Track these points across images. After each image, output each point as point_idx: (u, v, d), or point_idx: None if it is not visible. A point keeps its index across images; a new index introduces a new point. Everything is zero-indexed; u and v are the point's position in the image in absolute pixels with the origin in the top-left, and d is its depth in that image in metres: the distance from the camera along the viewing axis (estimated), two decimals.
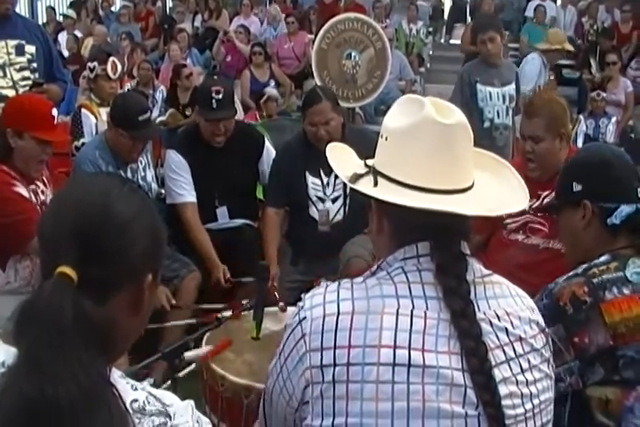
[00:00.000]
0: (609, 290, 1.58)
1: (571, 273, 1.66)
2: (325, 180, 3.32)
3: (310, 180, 3.33)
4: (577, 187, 1.72)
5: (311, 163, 3.21)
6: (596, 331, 1.56)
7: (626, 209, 1.67)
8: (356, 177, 1.23)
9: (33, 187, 2.79)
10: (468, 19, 10.82)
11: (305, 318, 1.18)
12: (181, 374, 2.11)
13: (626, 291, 1.58)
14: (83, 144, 4.04)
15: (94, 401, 0.81)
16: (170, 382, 2.27)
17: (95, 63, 4.42)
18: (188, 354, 2.18)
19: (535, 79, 5.73)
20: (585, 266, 1.65)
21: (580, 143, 6.43)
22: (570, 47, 6.43)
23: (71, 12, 10.36)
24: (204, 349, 2.26)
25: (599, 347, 1.55)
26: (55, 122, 2.80)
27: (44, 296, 0.85)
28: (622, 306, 1.57)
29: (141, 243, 0.95)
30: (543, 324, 1.26)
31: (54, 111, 2.78)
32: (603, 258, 1.65)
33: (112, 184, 0.99)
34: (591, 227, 1.72)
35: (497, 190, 1.26)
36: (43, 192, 2.83)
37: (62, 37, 9.62)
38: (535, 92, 5.43)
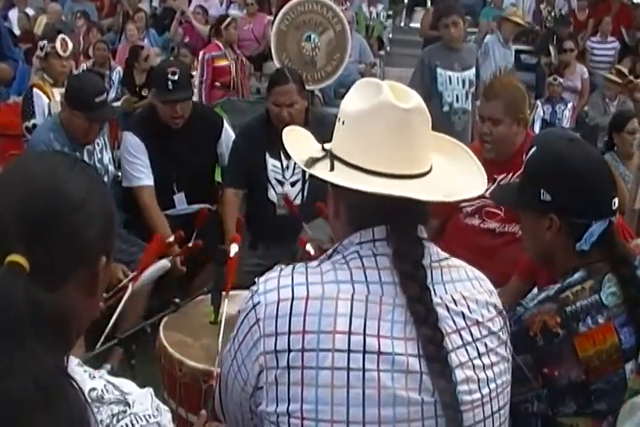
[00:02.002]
0: (583, 321, 1.46)
1: (542, 295, 1.52)
2: (285, 163, 3.30)
3: (270, 162, 3.31)
4: (545, 196, 1.53)
5: (272, 145, 3.18)
6: (568, 366, 1.45)
7: (597, 229, 1.51)
8: (313, 161, 1.22)
9: None
10: (428, 3, 10.81)
11: (259, 302, 1.17)
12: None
13: (600, 320, 1.47)
14: (34, 125, 3.93)
15: (52, 395, 0.79)
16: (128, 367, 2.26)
17: (45, 41, 4.31)
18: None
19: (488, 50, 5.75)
20: (558, 286, 1.51)
21: (537, 128, 6.52)
22: (520, 21, 6.47)
23: None
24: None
25: (570, 381, 1.46)
26: None
27: None
28: (596, 338, 1.46)
29: (94, 224, 0.91)
30: (501, 306, 1.27)
31: None
32: (577, 275, 1.52)
33: (61, 163, 0.94)
34: (557, 239, 1.55)
35: (455, 175, 1.26)
36: None
37: (12, 14, 9.35)
38: (495, 75, 5.47)
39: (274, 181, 3.32)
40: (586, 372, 1.46)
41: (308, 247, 2.41)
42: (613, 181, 1.58)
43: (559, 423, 1.50)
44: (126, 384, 0.93)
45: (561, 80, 7.09)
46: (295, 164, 3.22)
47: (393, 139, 1.17)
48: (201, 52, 6.49)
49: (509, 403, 1.26)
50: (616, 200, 1.55)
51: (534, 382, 1.47)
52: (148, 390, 0.95)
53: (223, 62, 6.35)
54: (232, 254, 2.38)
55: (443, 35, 4.94)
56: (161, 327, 2.32)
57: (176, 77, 3.30)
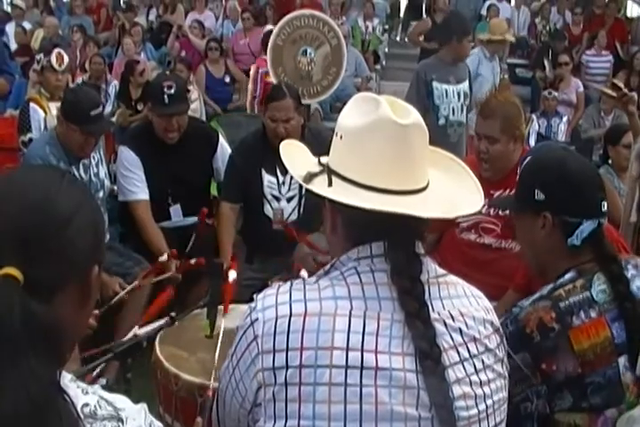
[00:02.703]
0: (576, 315, 1.52)
1: (536, 295, 1.59)
2: (281, 178, 3.31)
3: (266, 177, 3.31)
4: (539, 195, 1.63)
5: (267, 160, 3.20)
6: (564, 359, 1.50)
7: (587, 227, 1.60)
8: (310, 176, 1.22)
9: None
10: (424, 16, 10.89)
11: (257, 319, 1.17)
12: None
13: (593, 314, 1.53)
14: (30, 139, 3.94)
15: (45, 411, 0.79)
16: (123, 382, 2.24)
17: (42, 55, 4.33)
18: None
19: (475, 70, 5.74)
20: (550, 286, 1.58)
21: (532, 142, 6.54)
22: (511, 38, 6.49)
23: (20, 2, 10.11)
24: None
25: (567, 374, 1.51)
26: None
27: None
28: (590, 331, 1.52)
29: (84, 236, 0.93)
30: (498, 324, 1.26)
31: None
32: (568, 275, 1.59)
33: (51, 177, 0.95)
34: (551, 238, 1.64)
35: (452, 191, 1.26)
36: None
37: (10, 28, 9.38)
38: (491, 92, 5.46)
39: (270, 197, 3.32)
40: (581, 365, 1.51)
41: (303, 273, 2.41)
42: (602, 186, 1.68)
43: (556, 421, 1.53)
44: (120, 400, 0.93)
45: (556, 94, 7.12)
46: (291, 180, 3.24)
47: (391, 154, 1.17)
48: (253, 67, 6.45)
49: (508, 405, 1.26)
50: (605, 203, 1.64)
51: (533, 379, 1.52)
52: (142, 406, 0.95)
53: (271, 79, 6.27)
54: (230, 280, 2.38)
55: (457, 51, 4.84)
56: (157, 341, 2.31)
57: (172, 91, 3.32)
